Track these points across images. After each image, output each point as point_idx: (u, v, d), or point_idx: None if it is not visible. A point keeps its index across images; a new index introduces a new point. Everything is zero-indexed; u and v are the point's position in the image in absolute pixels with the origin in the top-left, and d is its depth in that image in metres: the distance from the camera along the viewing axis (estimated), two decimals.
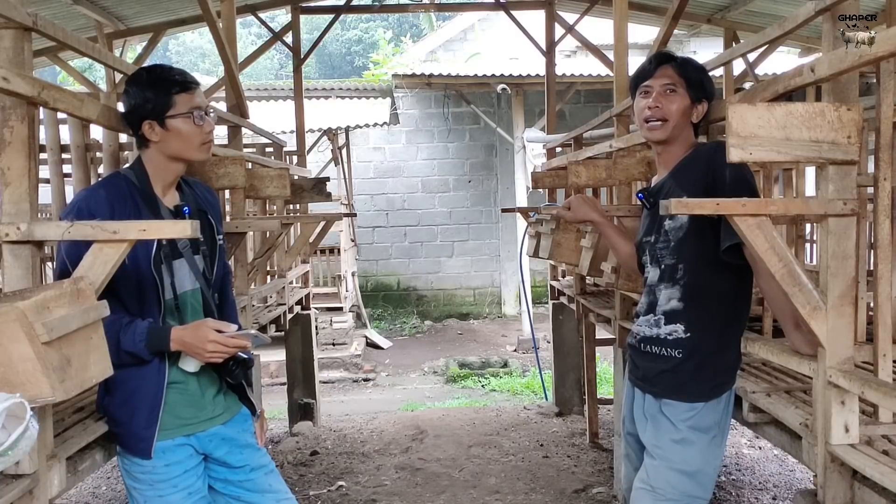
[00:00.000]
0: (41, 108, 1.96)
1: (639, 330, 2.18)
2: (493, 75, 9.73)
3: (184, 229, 1.68)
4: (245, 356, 2.02)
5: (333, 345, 8.87)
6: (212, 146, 2.04)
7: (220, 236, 2.13)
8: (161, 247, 1.93)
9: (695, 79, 2.08)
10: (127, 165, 2.12)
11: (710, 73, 2.20)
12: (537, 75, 8.96)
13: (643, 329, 2.15)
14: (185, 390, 1.99)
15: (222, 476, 2.10)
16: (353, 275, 10.18)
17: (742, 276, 2.04)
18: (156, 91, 1.92)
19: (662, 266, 2.12)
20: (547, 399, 6.70)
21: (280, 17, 12.21)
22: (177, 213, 1.99)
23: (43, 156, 2.72)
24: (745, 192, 1.85)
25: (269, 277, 5.30)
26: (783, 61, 8.72)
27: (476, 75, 9.91)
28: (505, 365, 8.69)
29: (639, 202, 2.24)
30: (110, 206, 1.87)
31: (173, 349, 1.89)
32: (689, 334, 2.04)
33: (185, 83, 1.95)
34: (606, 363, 7.19)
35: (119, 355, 1.82)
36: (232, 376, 2.02)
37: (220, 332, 1.88)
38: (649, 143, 2.26)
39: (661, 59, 2.12)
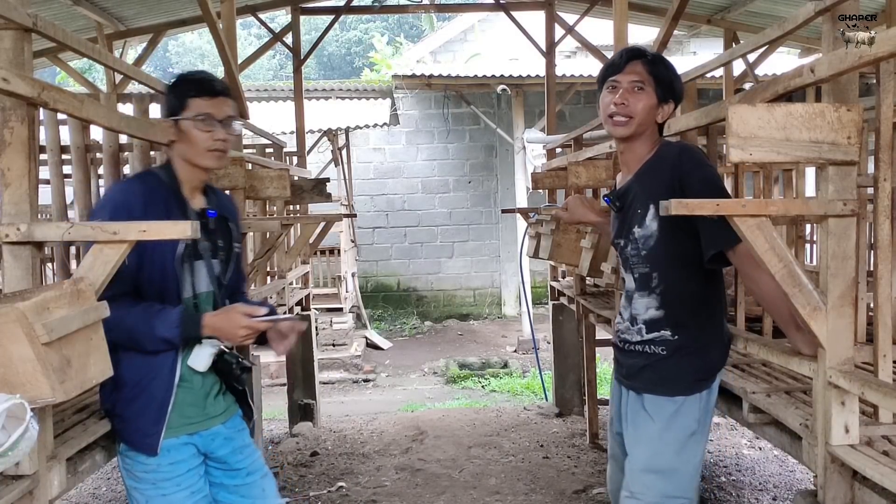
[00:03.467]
0: (41, 109, 1.96)
1: (622, 335, 2.18)
2: (493, 76, 9.73)
3: (184, 230, 1.68)
4: (249, 363, 2.07)
5: (333, 345, 8.87)
6: (223, 156, 2.04)
7: (237, 244, 2.19)
8: (187, 246, 1.98)
9: (664, 78, 2.04)
10: (156, 165, 2.17)
11: (710, 74, 2.18)
12: (537, 76, 8.96)
13: (625, 335, 2.16)
14: (190, 388, 2.01)
15: (218, 481, 2.12)
16: (353, 275, 10.18)
17: (713, 277, 2.05)
18: (176, 92, 2.01)
19: (636, 275, 2.10)
20: (547, 400, 6.70)
21: (280, 17, 12.22)
22: (202, 216, 2.04)
23: (43, 157, 2.71)
24: (717, 196, 1.83)
25: (269, 278, 5.30)
26: (783, 62, 8.73)
27: (476, 76, 9.91)
28: (505, 365, 8.69)
29: (605, 204, 2.22)
30: (143, 200, 1.93)
31: (205, 334, 1.93)
32: (675, 337, 2.04)
33: (202, 88, 2.00)
34: (606, 364, 7.19)
35: (153, 342, 1.87)
36: (239, 381, 2.07)
37: (250, 315, 1.94)
38: (614, 141, 2.24)
39: (631, 54, 2.06)
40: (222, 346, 2.02)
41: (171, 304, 1.95)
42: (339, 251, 9.42)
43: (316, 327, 8.22)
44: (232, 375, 2.04)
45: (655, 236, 2.03)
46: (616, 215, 2.19)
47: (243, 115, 4.62)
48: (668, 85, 2.05)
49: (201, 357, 1.99)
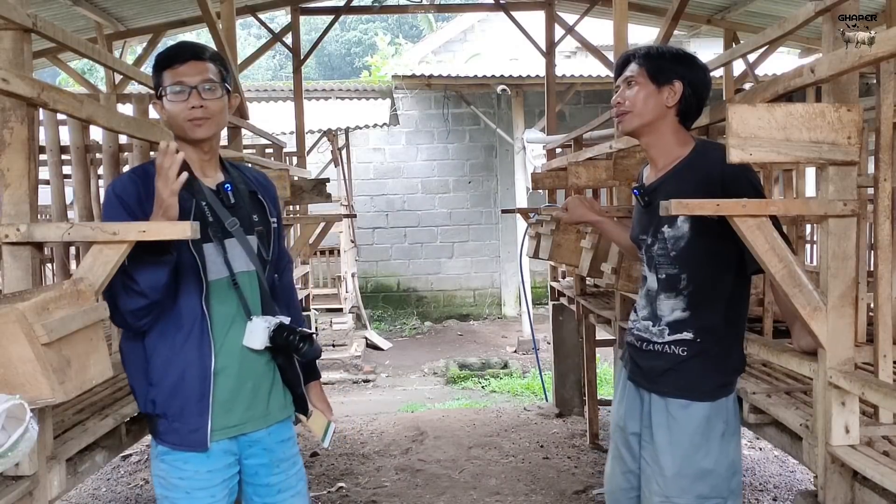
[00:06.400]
0: (41, 110, 1.96)
1: (640, 334, 2.14)
2: (492, 76, 9.73)
3: (184, 230, 1.64)
4: (308, 330, 1.92)
5: (333, 346, 8.87)
6: (206, 123, 1.85)
7: (274, 219, 2.03)
8: (208, 224, 1.83)
9: (654, 65, 2.03)
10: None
11: (710, 74, 2.16)
12: (537, 76, 8.96)
13: (643, 333, 2.12)
14: (230, 378, 1.86)
15: (246, 495, 2.00)
16: (352, 276, 10.18)
17: (742, 279, 2.03)
18: (154, 70, 1.88)
19: (662, 275, 2.07)
20: (547, 400, 6.70)
21: (280, 17, 12.22)
22: (218, 192, 1.90)
23: (43, 157, 2.72)
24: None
25: None
26: (783, 62, 8.72)
27: (476, 76, 9.91)
28: (505, 366, 8.68)
29: (634, 197, 2.20)
30: (137, 191, 1.80)
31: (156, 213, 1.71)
32: (698, 339, 2.01)
33: (169, 58, 1.85)
34: (606, 364, 7.19)
35: (135, 288, 1.71)
36: (300, 353, 1.89)
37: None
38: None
39: (623, 58, 2.10)
40: (279, 319, 1.89)
41: (191, 287, 1.82)
42: (338, 251, 9.42)
43: (316, 328, 8.22)
44: (292, 347, 1.87)
45: (687, 237, 1.99)
46: (643, 210, 2.15)
47: (243, 115, 4.62)
48: (662, 67, 2.02)
49: (256, 334, 1.85)
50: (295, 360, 1.99)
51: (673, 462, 2.01)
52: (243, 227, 1.90)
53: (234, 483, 1.94)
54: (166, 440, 1.85)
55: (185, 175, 1.68)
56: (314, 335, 1.94)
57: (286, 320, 1.92)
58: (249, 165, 3.14)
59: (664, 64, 2.02)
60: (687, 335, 2.01)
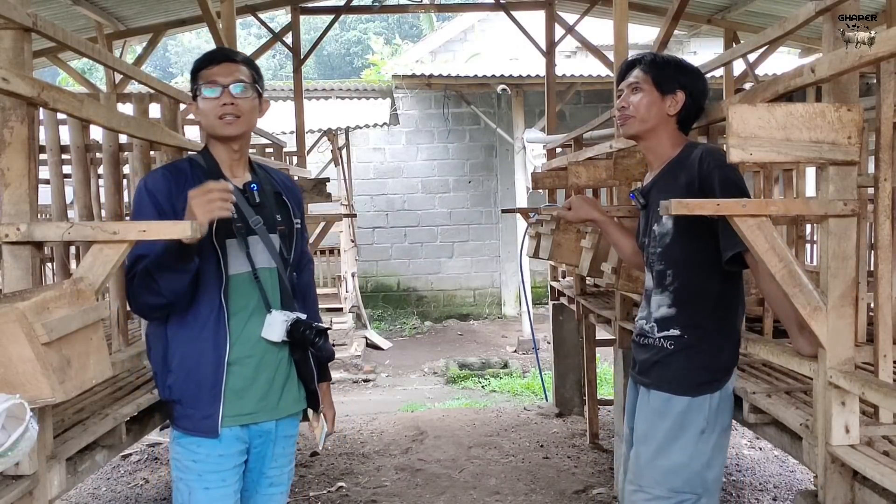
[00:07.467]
0: (41, 109, 1.96)
1: (638, 330, 2.21)
2: (493, 76, 9.72)
3: (184, 230, 1.66)
4: (324, 326, 2.02)
5: (333, 345, 8.85)
6: (236, 122, 1.93)
7: (297, 220, 2.11)
8: (233, 220, 1.89)
9: (660, 74, 2.09)
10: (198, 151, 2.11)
11: (710, 74, 2.19)
12: (537, 76, 8.96)
13: (640, 330, 2.20)
14: (244, 371, 1.94)
15: (243, 483, 2.05)
16: (353, 275, 10.17)
17: (732, 276, 2.04)
18: (191, 75, 1.99)
19: (653, 272, 2.14)
20: (547, 400, 6.70)
21: (280, 17, 12.23)
22: (244, 191, 1.97)
23: (43, 156, 2.71)
24: (736, 196, 1.85)
25: None
26: (783, 62, 8.72)
27: (476, 76, 9.90)
28: (505, 366, 8.68)
29: (633, 201, 2.26)
30: (167, 184, 1.91)
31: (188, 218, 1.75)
32: (685, 336, 2.05)
33: (203, 61, 1.97)
34: (607, 364, 7.19)
35: (163, 251, 1.77)
36: (316, 347, 1.99)
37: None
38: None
39: (629, 63, 2.16)
40: (296, 315, 1.97)
41: (212, 281, 1.89)
42: (338, 251, 9.42)
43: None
44: (308, 341, 1.96)
45: (671, 234, 2.06)
46: (642, 213, 2.23)
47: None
48: (667, 77, 2.08)
49: (274, 326, 1.93)
50: (310, 356, 2.07)
51: (647, 452, 2.07)
52: (266, 226, 1.99)
53: (242, 471, 2.01)
54: (181, 425, 1.95)
55: (227, 213, 1.77)
56: (328, 330, 2.03)
57: (303, 316, 2.00)
58: None
59: (669, 73, 2.08)
60: (674, 332, 2.07)
